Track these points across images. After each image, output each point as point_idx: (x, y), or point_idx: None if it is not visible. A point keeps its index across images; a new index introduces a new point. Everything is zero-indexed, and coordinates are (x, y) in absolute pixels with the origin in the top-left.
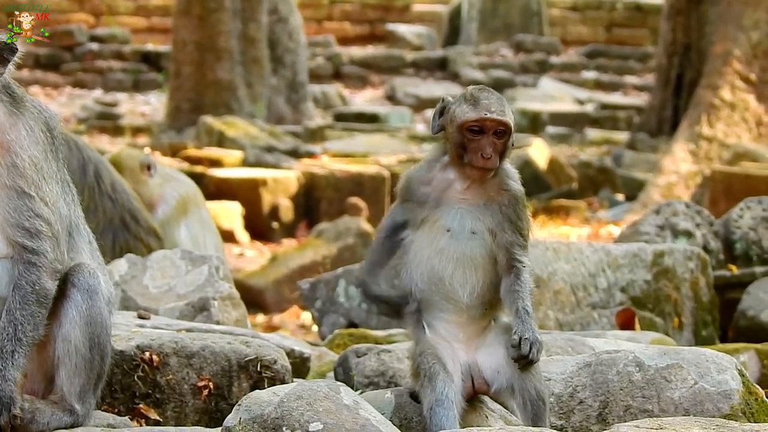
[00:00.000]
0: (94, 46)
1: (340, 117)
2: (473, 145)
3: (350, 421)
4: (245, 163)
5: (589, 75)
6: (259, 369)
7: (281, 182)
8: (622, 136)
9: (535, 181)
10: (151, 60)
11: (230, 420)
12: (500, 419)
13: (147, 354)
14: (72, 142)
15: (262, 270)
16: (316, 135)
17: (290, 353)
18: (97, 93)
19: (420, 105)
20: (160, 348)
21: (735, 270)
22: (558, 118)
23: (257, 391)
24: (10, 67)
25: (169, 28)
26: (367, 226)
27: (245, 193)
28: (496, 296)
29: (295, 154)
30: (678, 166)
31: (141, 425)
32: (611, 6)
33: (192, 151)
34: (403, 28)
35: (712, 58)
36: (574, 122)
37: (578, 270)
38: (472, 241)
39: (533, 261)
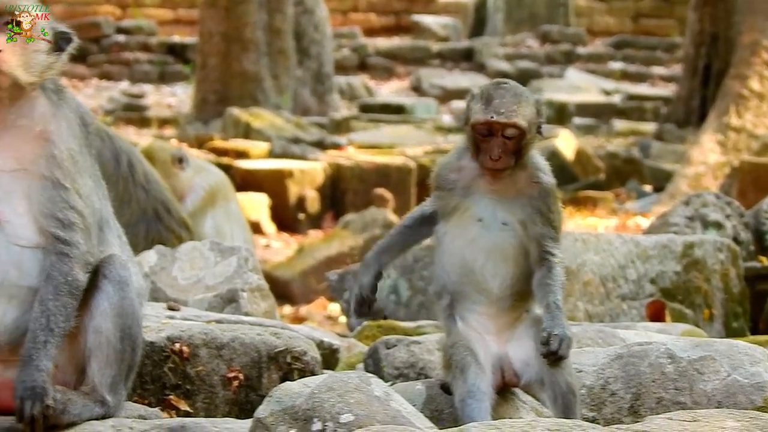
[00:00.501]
0: (121, 37)
1: (366, 108)
2: (483, 146)
3: (381, 413)
4: (271, 154)
5: (616, 66)
6: (289, 360)
7: (307, 173)
8: (650, 127)
9: (562, 172)
10: (177, 52)
11: (261, 411)
12: (532, 411)
13: (177, 345)
14: (104, 133)
15: (289, 261)
16: (341, 126)
17: (319, 345)
18: (124, 85)
19: (446, 96)
20: (190, 339)
21: (766, 261)
22: (584, 109)
23: (288, 382)
24: (65, 57)
25: (195, 19)
26: (393, 217)
27: (272, 184)
28: (528, 288)
29: (321, 145)
30: (706, 157)
31: (171, 416)
32: None
33: (218, 143)
34: (428, 19)
35: (740, 48)
36: (600, 113)
37: (608, 261)
38: (503, 232)
39: (563, 251)
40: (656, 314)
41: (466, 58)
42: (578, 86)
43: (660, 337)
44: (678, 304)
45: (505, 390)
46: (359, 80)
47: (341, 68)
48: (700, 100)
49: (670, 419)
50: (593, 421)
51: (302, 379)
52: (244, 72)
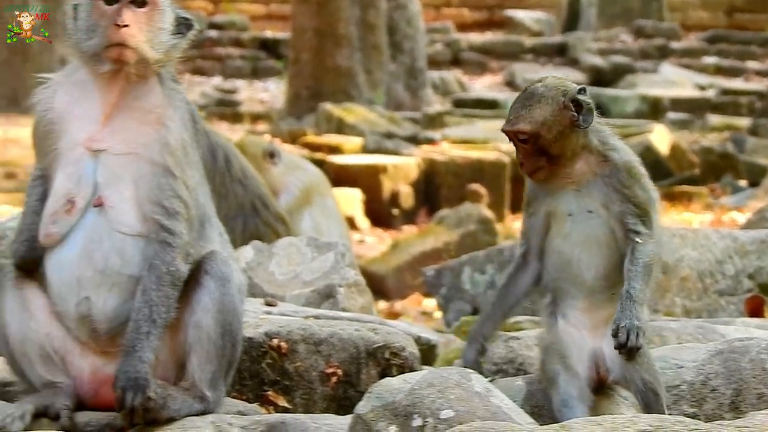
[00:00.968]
0: (213, 33)
1: (459, 103)
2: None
3: (482, 409)
4: (365, 149)
5: (710, 60)
6: (387, 356)
7: (401, 169)
8: (744, 121)
9: (656, 167)
10: (270, 47)
11: (361, 407)
12: (632, 407)
13: (275, 341)
14: (202, 129)
15: (383, 257)
16: (435, 121)
17: (417, 340)
18: (216, 80)
19: None
20: (289, 335)
21: None
22: (679, 104)
23: (388, 378)
24: (185, 42)
25: (287, 14)
26: (488, 213)
27: (365, 179)
28: (621, 278)
29: (414, 140)
30: None
31: (270, 412)
32: None
33: (311, 138)
34: (522, 14)
35: None
36: (695, 108)
37: (705, 257)
38: (591, 220)
39: (660, 244)
40: (755, 310)
41: (560, 53)
42: (672, 81)
43: (760, 333)
44: None
45: (604, 386)
46: (452, 75)
47: (434, 63)
48: None
49: None
50: (694, 417)
51: (402, 375)
52: (337, 67)
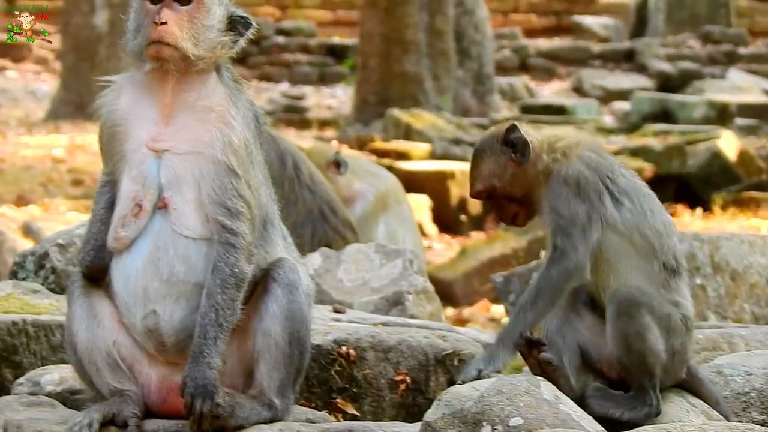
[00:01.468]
0: (281, 39)
1: (527, 109)
2: None
3: (551, 416)
4: (433, 155)
5: None
6: (456, 363)
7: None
8: None
9: (724, 173)
10: (337, 53)
11: (430, 414)
12: (702, 414)
13: (344, 348)
14: (267, 134)
15: (451, 263)
16: None
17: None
18: (284, 86)
19: (607, 97)
20: (357, 342)
21: None
22: (747, 110)
23: (457, 385)
24: (241, 41)
25: (354, 20)
26: None
27: (433, 185)
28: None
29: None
30: None
31: (338, 420)
32: None
33: (379, 144)
34: (589, 20)
35: None
36: (763, 114)
37: None
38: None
39: (729, 253)
40: None
41: (628, 59)
42: (740, 87)
43: None
44: None
45: (675, 392)
46: (520, 81)
47: (502, 69)
48: None
49: None
50: (763, 424)
51: (471, 383)
52: (404, 73)
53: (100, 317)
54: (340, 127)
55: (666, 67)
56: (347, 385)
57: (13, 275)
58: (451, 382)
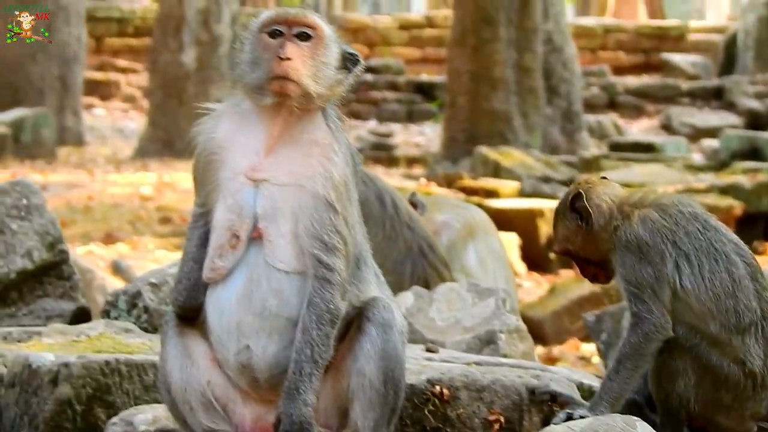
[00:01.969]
0: (369, 77)
1: (615, 147)
2: None
3: None
4: (521, 193)
5: None
6: (550, 402)
7: None
8: None
9: None
10: (425, 90)
11: None
12: None
13: (437, 388)
14: (364, 175)
15: (541, 301)
16: (591, 165)
17: (579, 386)
18: (372, 124)
19: (696, 134)
20: (451, 381)
21: None
22: None
23: (552, 426)
24: (351, 78)
25: (442, 58)
26: None
27: (522, 223)
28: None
29: (571, 184)
30: None
31: None
32: None
33: (467, 182)
34: (678, 58)
35: None
36: None
37: None
38: None
39: None
40: None
41: (716, 97)
42: None
43: None
44: None
45: None
46: (608, 119)
47: (590, 107)
48: None
49: None
50: None
51: (566, 423)
52: (493, 111)
53: (194, 357)
54: (428, 164)
55: (755, 104)
56: (441, 425)
57: (106, 314)
58: (545, 422)
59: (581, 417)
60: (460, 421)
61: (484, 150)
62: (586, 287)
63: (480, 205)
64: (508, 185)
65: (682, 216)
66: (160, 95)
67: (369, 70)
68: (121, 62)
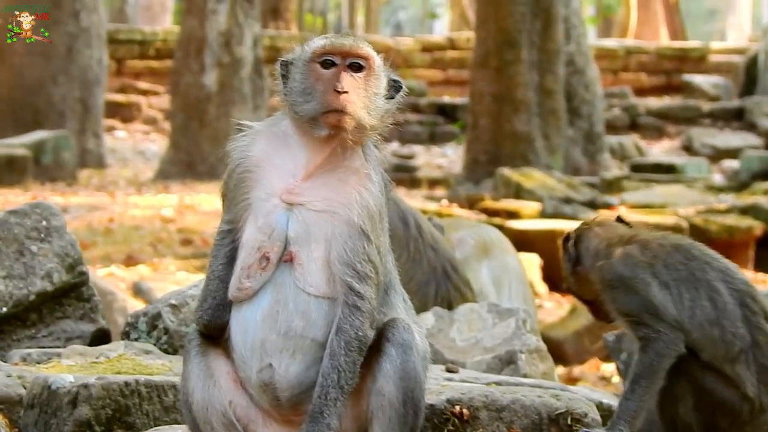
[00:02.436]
0: None
1: (637, 168)
2: None
3: None
4: (543, 214)
5: None
6: (569, 422)
7: None
8: None
9: None
10: (447, 112)
11: None
12: None
13: (457, 408)
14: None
15: (562, 321)
16: (612, 186)
17: (599, 406)
18: (394, 145)
19: (717, 155)
20: (471, 402)
21: None
22: None
23: None
24: (394, 105)
25: (464, 80)
26: None
27: (543, 244)
28: None
29: (592, 205)
30: None
31: None
32: None
33: (489, 203)
34: (699, 79)
35: None
36: None
37: None
38: None
39: None
40: None
41: (737, 118)
42: None
43: None
44: None
45: None
46: (630, 140)
47: (612, 128)
48: None
49: None
50: None
51: None
52: (515, 132)
53: (216, 376)
54: (450, 186)
55: None
56: None
57: (126, 336)
58: None
59: None
60: None
61: (506, 171)
62: None
63: (501, 227)
64: (530, 206)
65: (662, 248)
66: (182, 117)
67: None
68: (143, 84)
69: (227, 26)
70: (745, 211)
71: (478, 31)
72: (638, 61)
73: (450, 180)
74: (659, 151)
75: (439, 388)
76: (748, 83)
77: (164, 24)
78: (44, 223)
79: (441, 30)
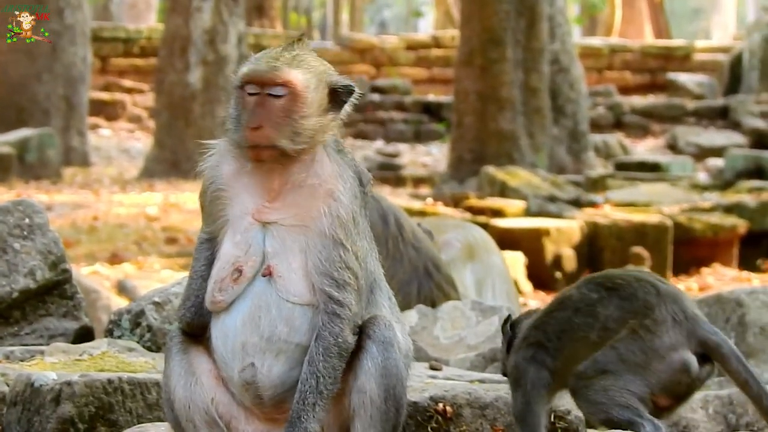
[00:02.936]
0: (376, 97)
1: (622, 166)
2: None
3: None
4: (528, 212)
5: None
6: (552, 419)
7: (564, 232)
8: None
9: None
10: (432, 110)
11: None
12: None
13: (440, 405)
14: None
15: None
16: (597, 184)
17: None
18: (379, 144)
19: (701, 154)
20: (454, 399)
21: None
22: None
23: None
24: (343, 111)
25: (449, 78)
26: None
27: (528, 242)
28: None
29: (577, 203)
30: None
31: None
32: None
33: (474, 201)
34: (684, 77)
35: None
36: None
37: None
38: None
39: None
40: None
41: (722, 116)
42: None
43: None
44: None
45: None
46: (615, 138)
47: (596, 126)
48: None
49: None
50: None
51: None
52: (499, 131)
53: (198, 374)
54: (435, 184)
55: (760, 124)
56: None
57: (109, 333)
58: None
59: None
60: None
61: (490, 170)
62: None
63: (486, 225)
64: (515, 205)
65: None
66: (166, 115)
67: (376, 90)
68: (127, 82)
69: (212, 24)
70: (729, 209)
71: (462, 30)
72: (623, 59)
73: (435, 178)
74: (644, 149)
75: (422, 385)
76: (733, 82)
77: (149, 22)
78: (27, 220)
79: (426, 28)
